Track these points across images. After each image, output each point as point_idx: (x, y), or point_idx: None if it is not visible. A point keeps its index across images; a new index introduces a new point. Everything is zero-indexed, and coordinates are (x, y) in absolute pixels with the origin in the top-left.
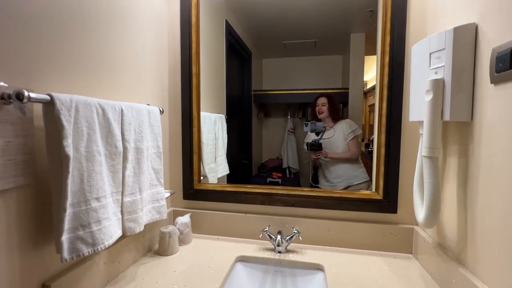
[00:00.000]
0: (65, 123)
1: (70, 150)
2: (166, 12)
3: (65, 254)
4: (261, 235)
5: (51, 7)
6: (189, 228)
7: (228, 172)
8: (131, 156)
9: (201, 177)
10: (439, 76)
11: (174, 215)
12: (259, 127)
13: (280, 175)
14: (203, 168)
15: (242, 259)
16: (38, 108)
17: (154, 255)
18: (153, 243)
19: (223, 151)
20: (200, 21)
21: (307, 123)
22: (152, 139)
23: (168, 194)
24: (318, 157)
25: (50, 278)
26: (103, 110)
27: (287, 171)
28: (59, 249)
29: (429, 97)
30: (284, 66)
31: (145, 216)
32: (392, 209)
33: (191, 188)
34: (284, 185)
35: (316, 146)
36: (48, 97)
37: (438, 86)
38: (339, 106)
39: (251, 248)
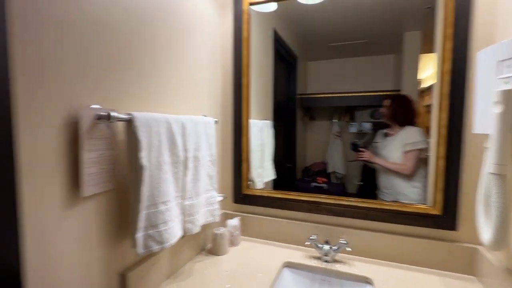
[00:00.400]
0: (141, 137)
1: (145, 160)
2: (219, 28)
3: (140, 249)
4: (307, 242)
5: (127, 40)
6: (238, 231)
7: (274, 177)
8: (190, 164)
9: (249, 182)
10: (511, 87)
11: (225, 217)
12: (303, 130)
13: (325, 180)
14: (251, 173)
15: (289, 265)
16: (119, 125)
17: (207, 254)
18: (206, 243)
19: (270, 157)
20: (252, 33)
21: (353, 124)
22: (208, 148)
23: (221, 198)
24: (360, 158)
25: (125, 268)
26: (169, 124)
27: (333, 176)
28: (134, 244)
29: (498, 109)
30: (331, 68)
31: (201, 218)
32: (452, 226)
33: (240, 193)
34: (329, 190)
35: (354, 146)
36: (129, 116)
37: (510, 97)
38: (409, 110)
39: (298, 255)
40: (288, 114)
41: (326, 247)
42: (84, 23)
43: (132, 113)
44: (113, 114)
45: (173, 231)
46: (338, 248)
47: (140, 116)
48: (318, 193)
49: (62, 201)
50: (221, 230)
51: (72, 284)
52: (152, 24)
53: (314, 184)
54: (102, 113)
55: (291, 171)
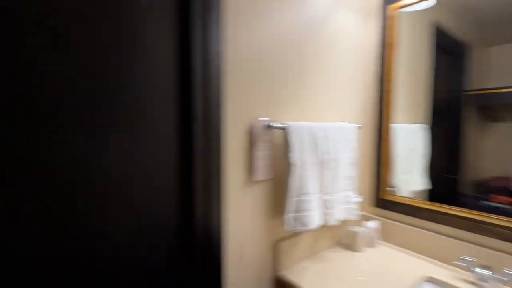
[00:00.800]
0: (292, 142)
1: (294, 160)
2: (361, 36)
3: (288, 226)
4: (459, 262)
5: (284, 64)
6: (375, 233)
7: (426, 186)
8: (330, 165)
9: (391, 188)
10: None
11: (363, 219)
12: (476, 135)
13: (510, 200)
14: (394, 179)
15: (432, 281)
16: (277, 132)
17: (342, 248)
18: (342, 238)
19: (421, 163)
20: (399, 36)
21: None
22: (348, 151)
23: (358, 199)
24: None
25: (277, 240)
26: (313, 131)
27: None
28: (284, 222)
29: None
30: None
31: (338, 213)
32: None
33: (378, 197)
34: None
35: None
36: (284, 125)
37: None
38: None
39: (443, 272)
40: (451, 115)
41: (485, 272)
42: (259, 57)
43: (287, 123)
44: (273, 124)
45: (313, 219)
46: (507, 279)
47: (292, 125)
48: (488, 212)
49: (243, 181)
50: (357, 228)
51: (249, 241)
52: (302, 45)
53: (488, 202)
54: (266, 124)
55: (452, 183)
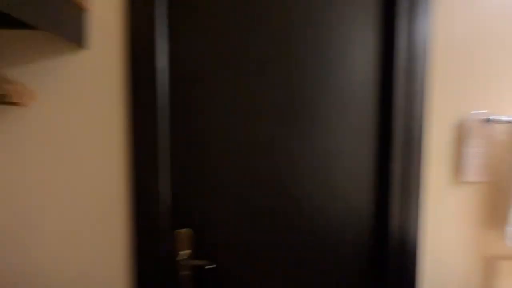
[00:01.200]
0: None
1: None
2: None
3: (510, 242)
4: None
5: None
6: None
7: None
8: None
9: None
10: None
11: None
12: None
13: None
14: None
15: None
16: (501, 126)
17: None
18: None
19: None
20: None
21: None
22: None
23: None
24: None
25: (491, 256)
26: None
27: None
28: (506, 236)
29: None
30: None
31: None
32: None
33: None
34: None
35: None
36: (510, 119)
37: None
38: None
39: None
40: None
41: None
42: (473, 43)
43: None
44: (492, 117)
45: None
46: None
47: None
48: None
49: (448, 182)
50: None
51: (451, 253)
52: None
53: None
54: (483, 117)
55: None
